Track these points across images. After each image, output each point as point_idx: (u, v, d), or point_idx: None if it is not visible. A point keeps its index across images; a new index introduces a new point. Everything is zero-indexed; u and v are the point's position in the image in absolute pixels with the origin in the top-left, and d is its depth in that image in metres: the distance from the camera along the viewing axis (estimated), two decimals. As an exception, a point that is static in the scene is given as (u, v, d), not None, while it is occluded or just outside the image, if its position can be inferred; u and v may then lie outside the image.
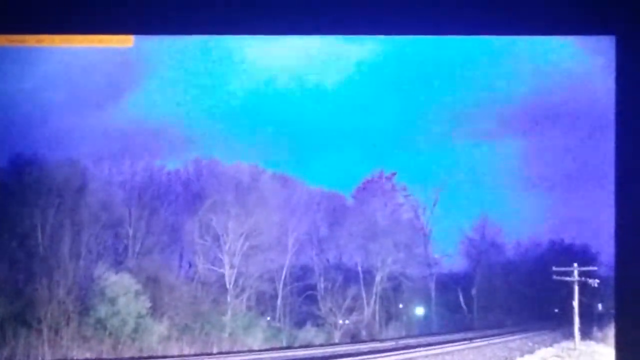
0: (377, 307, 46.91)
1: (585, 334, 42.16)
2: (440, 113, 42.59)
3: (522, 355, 39.85)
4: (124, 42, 24.22)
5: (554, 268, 41.87)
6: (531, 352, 40.87)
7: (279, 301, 45.24)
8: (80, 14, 22.42)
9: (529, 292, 48.30)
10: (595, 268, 42.25)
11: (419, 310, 48.94)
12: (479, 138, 43.89)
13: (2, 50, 30.32)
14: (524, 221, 44.88)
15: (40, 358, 37.02)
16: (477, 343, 42.86)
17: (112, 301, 39.12)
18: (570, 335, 42.08)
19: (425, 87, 41.33)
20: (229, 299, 43.35)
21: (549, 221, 44.26)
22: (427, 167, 44.06)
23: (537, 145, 43.10)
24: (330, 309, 45.07)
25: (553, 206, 43.12)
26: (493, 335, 45.07)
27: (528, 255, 49.76)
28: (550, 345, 42.71)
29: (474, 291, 49.02)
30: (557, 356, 39.41)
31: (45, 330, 37.87)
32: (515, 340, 44.64)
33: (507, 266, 49.69)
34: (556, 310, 47.62)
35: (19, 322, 37.74)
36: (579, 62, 33.94)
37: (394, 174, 48.61)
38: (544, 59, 36.17)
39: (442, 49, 36.83)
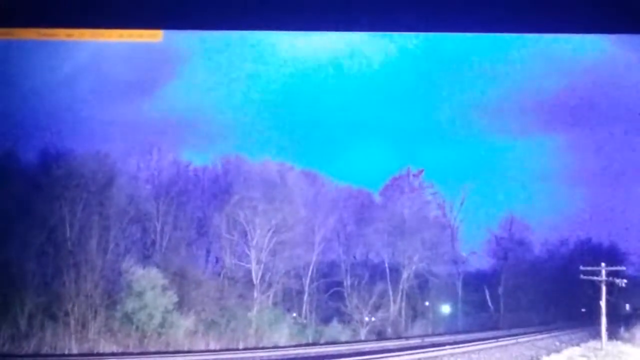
0: (403, 305, 46.88)
1: (612, 334, 41.96)
2: (469, 110, 42.54)
3: (548, 354, 39.63)
4: (154, 36, 24.26)
5: (581, 267, 41.66)
6: (558, 351, 40.66)
7: (305, 297, 45.28)
8: (110, 9, 22.48)
9: (555, 291, 48.16)
10: (623, 268, 42.04)
11: (446, 308, 48.88)
12: (508, 135, 43.80)
13: (32, 44, 30.50)
14: (551, 219, 44.79)
15: (67, 350, 37.14)
16: (504, 341, 42.69)
17: (139, 295, 39.19)
18: (597, 335, 41.86)
19: (453, 84, 41.27)
20: (255, 294, 43.39)
21: (577, 219, 44.12)
22: (454, 164, 43.99)
23: (568, 143, 43.01)
24: (357, 306, 45.04)
25: (582, 204, 42.98)
26: (520, 334, 44.89)
27: (555, 253, 49.64)
28: (577, 345, 42.50)
29: (500, 289, 48.92)
30: (584, 356, 39.19)
31: (72, 323, 38.01)
32: (542, 339, 44.47)
33: (534, 265, 49.58)
34: (583, 310, 47.44)
35: (46, 315, 37.91)
36: (612, 59, 33.76)
37: (421, 171, 48.61)
38: (578, 57, 36.03)
39: (473, 47, 36.80)
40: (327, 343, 43.05)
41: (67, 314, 38.23)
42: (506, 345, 41.64)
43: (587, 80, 38.78)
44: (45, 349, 36.59)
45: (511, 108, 42.17)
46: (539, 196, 43.19)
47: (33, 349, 36.23)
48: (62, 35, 24.40)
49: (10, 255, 37.91)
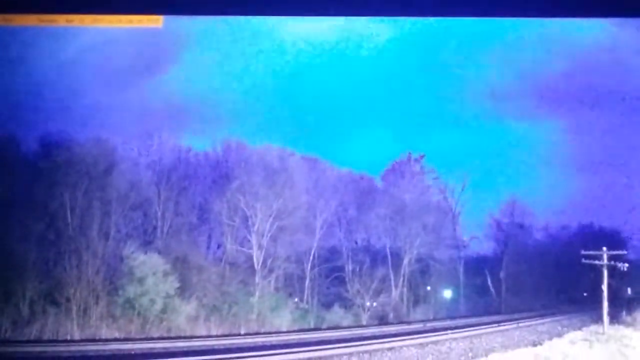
0: (404, 290, 46.93)
1: (614, 318, 41.94)
2: (470, 95, 42.45)
3: (550, 339, 39.60)
4: (154, 22, 24.24)
5: (583, 252, 41.60)
6: (560, 335, 40.65)
7: (306, 283, 45.33)
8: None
9: (557, 276, 48.16)
10: (625, 252, 41.99)
11: (447, 293, 48.91)
12: (509, 119, 43.75)
13: (32, 30, 30.46)
14: (553, 204, 44.75)
15: (69, 336, 37.18)
16: (506, 326, 42.70)
17: (141, 281, 39.23)
18: (599, 319, 41.85)
19: (455, 69, 41.19)
20: (257, 280, 43.44)
21: (579, 204, 44.09)
22: (455, 149, 43.96)
23: (570, 127, 42.92)
24: (358, 291, 45.10)
25: (583, 188, 42.95)
26: (521, 319, 44.90)
27: (557, 238, 49.61)
28: (579, 329, 42.48)
29: (502, 274, 48.96)
30: (586, 340, 39.15)
31: (74, 309, 38.04)
32: (543, 324, 44.48)
33: (535, 249, 49.57)
34: (585, 294, 47.48)
35: (48, 301, 37.97)
36: (616, 43, 33.72)
37: (423, 156, 48.60)
38: (581, 41, 35.95)
39: (474, 31, 36.70)
40: (328, 328, 43.09)
41: (68, 300, 38.26)
42: (508, 330, 41.65)
43: (590, 64, 38.70)
44: (47, 335, 36.61)
45: (513, 92, 42.10)
46: (541, 180, 43.18)
47: (35, 335, 36.26)
48: (62, 21, 24.40)
49: (11, 241, 37.92)
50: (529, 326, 43.29)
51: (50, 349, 32.40)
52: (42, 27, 25.46)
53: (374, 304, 45.35)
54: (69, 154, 40.19)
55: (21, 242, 38.31)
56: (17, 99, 37.83)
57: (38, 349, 32.28)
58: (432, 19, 27.33)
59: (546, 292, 49.47)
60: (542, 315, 46.78)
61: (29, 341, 35.21)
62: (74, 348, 33.34)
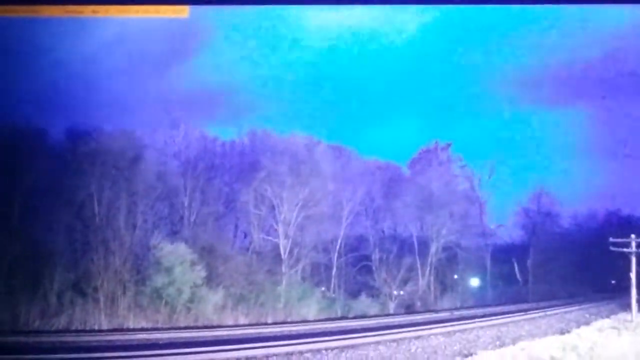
0: (432, 278, 46.88)
1: (643, 306, 41.72)
2: (498, 83, 42.36)
3: (578, 327, 39.37)
4: (179, 12, 24.22)
5: (611, 239, 41.36)
6: (587, 323, 40.40)
7: (333, 272, 45.32)
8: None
9: (585, 263, 48.03)
10: (654, 239, 41.73)
11: (474, 281, 48.84)
12: (537, 108, 43.59)
13: (58, 21, 30.53)
14: (580, 191, 44.62)
15: (96, 326, 37.28)
16: (533, 314, 42.55)
17: (168, 271, 39.27)
18: (627, 307, 41.64)
19: (483, 57, 41.11)
20: (283, 269, 43.46)
21: (606, 192, 43.91)
22: (483, 137, 43.90)
23: (598, 115, 42.72)
24: (385, 280, 45.04)
25: (611, 176, 42.76)
26: (549, 307, 44.77)
27: (584, 226, 49.52)
28: (607, 317, 42.27)
29: (529, 262, 48.85)
30: (614, 328, 38.88)
31: (101, 299, 38.16)
32: (571, 312, 44.31)
33: (563, 237, 49.45)
34: (613, 282, 47.33)
35: (76, 291, 38.09)
36: (647, 31, 33.48)
37: (450, 144, 48.54)
38: (613, 28, 35.70)
39: (503, 19, 36.52)
40: (355, 317, 43.08)
41: (96, 290, 38.39)
42: (535, 318, 41.48)
43: (618, 51, 38.49)
44: (75, 325, 36.74)
45: (541, 80, 42.03)
46: (569, 169, 43.13)
47: (63, 324, 36.40)
48: (87, 12, 24.43)
49: (39, 232, 38.18)
50: (556, 314, 43.12)
51: (78, 338, 32.50)
52: (69, 18, 25.51)
53: (401, 292, 45.32)
54: (96, 144, 40.33)
55: (49, 233, 38.57)
56: (45, 90, 38.07)
57: (66, 338, 32.39)
58: (458, 8, 27.21)
59: (574, 280, 49.35)
60: (569, 304, 46.67)
61: (57, 331, 35.36)
62: (101, 337, 33.44)
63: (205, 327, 38.38)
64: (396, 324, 39.79)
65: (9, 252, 36.20)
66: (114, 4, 24.08)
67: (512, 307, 45.54)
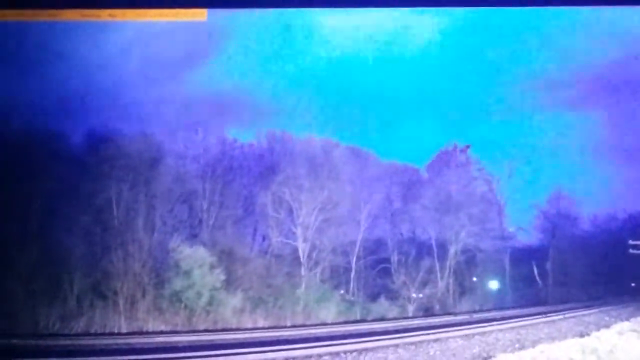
0: (450, 281, 46.81)
1: (663, 309, 41.65)
2: (515, 85, 42.25)
3: (598, 330, 39.27)
4: (198, 15, 24.28)
5: (630, 241, 41.29)
6: (607, 326, 40.29)
7: (352, 274, 45.33)
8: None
9: (604, 266, 47.88)
10: (674, 242, 41.65)
11: (493, 284, 48.74)
12: (555, 109, 43.47)
13: (75, 25, 30.70)
14: (599, 194, 44.48)
15: (116, 329, 37.46)
16: (552, 317, 42.46)
17: (187, 274, 39.42)
18: (647, 310, 41.56)
19: (500, 59, 41.03)
20: (302, 272, 43.53)
21: (625, 194, 43.78)
22: (501, 139, 43.81)
23: (616, 116, 42.58)
24: (404, 282, 45.05)
25: (630, 178, 42.61)
26: (568, 309, 44.64)
27: (604, 228, 49.34)
28: (627, 320, 42.10)
29: (548, 265, 48.70)
30: (634, 331, 38.75)
31: (121, 302, 38.33)
32: (591, 315, 44.17)
33: (582, 239, 49.29)
34: (632, 284, 47.17)
35: (95, 294, 38.28)
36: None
37: (468, 146, 48.42)
38: (634, 29, 35.59)
39: (521, 21, 36.51)
40: (374, 320, 43.08)
41: (115, 293, 38.55)
42: (554, 321, 41.42)
43: (637, 53, 38.29)
44: (95, 328, 36.92)
45: (558, 82, 41.87)
46: (587, 171, 42.93)
47: (82, 328, 36.59)
48: (104, 16, 24.54)
49: (58, 236, 38.37)
50: (575, 317, 43.02)
51: (97, 341, 32.64)
52: (86, 22, 25.66)
53: (420, 295, 45.30)
54: (115, 147, 40.49)
55: (69, 235, 38.75)
56: (64, 94, 38.24)
57: (86, 341, 32.55)
58: (478, 9, 27.21)
59: (593, 283, 49.20)
60: (589, 306, 46.51)
61: (77, 334, 35.54)
62: (121, 341, 33.54)
63: (224, 330, 38.48)
64: (415, 326, 39.78)
65: (29, 256, 36.40)
66: (133, 8, 24.18)
67: (532, 310, 45.39)
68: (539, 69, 40.95)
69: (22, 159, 37.57)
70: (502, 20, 36.42)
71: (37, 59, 37.21)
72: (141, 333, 37.07)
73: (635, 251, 41.32)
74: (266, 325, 40.46)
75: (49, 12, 24.68)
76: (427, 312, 45.44)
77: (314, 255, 43.95)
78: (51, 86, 37.93)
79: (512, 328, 38.19)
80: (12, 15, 25.19)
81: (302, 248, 43.65)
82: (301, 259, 43.64)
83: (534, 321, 40.83)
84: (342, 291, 45.06)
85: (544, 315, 42.80)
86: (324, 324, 41.24)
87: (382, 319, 43.20)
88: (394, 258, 45.94)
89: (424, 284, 45.41)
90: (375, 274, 45.98)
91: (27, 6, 25.43)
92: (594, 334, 37.78)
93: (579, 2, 21.71)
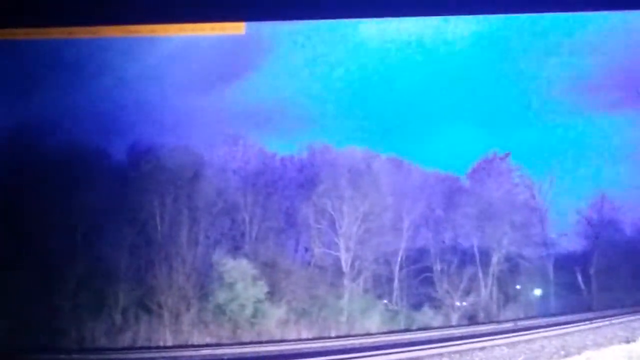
0: (494, 289, 46.61)
1: None
2: (555, 90, 42.10)
3: (644, 335, 39.04)
4: (236, 29, 24.37)
5: (675, 246, 40.93)
6: (654, 332, 40.03)
7: (395, 284, 45.25)
8: (192, 3, 22.61)
9: (649, 271, 47.48)
10: None
11: (537, 291, 48.48)
12: (596, 113, 43.26)
13: (114, 41, 30.99)
14: (642, 198, 44.14)
15: (161, 343, 37.72)
16: (597, 323, 42.19)
17: (231, 286, 39.59)
18: (694, 314, 41.18)
19: (539, 64, 40.89)
20: (345, 282, 43.53)
21: (669, 197, 43.44)
22: (541, 145, 43.62)
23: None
24: (447, 291, 44.93)
25: (675, 181, 42.28)
26: (613, 315, 44.27)
27: (647, 233, 48.90)
28: (673, 324, 41.79)
29: (592, 270, 48.36)
30: (681, 335, 38.48)
31: (166, 316, 38.58)
32: (636, 320, 43.75)
33: (626, 244, 48.88)
34: (679, 289, 46.76)
35: (140, 308, 38.55)
36: None
37: (508, 154, 48.24)
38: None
39: (559, 25, 36.42)
40: (418, 329, 42.99)
41: (160, 307, 38.82)
42: (600, 327, 41.15)
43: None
44: (141, 342, 37.19)
45: (600, 86, 41.65)
46: (630, 175, 42.61)
47: (128, 341, 36.90)
48: (146, 31, 24.65)
49: (103, 250, 38.71)
50: (621, 323, 42.67)
51: (143, 355, 32.92)
52: (127, 37, 25.85)
53: (464, 303, 45.16)
54: (157, 162, 40.80)
55: (113, 250, 39.05)
56: (105, 110, 38.59)
57: (132, 355, 32.83)
58: (514, 16, 27.14)
59: (638, 288, 48.79)
60: (634, 312, 46.12)
61: (123, 348, 35.83)
62: (166, 354, 33.87)
63: (269, 342, 38.62)
64: (459, 335, 39.72)
65: (74, 271, 36.76)
66: (170, 23, 24.31)
67: (576, 317, 45.09)
68: (579, 73, 40.82)
69: (65, 175, 38.00)
70: (541, 26, 36.42)
71: (80, 75, 37.58)
72: (186, 346, 37.29)
73: (680, 255, 40.99)
74: (310, 337, 40.52)
75: (92, 29, 24.86)
76: (471, 320, 45.28)
77: (356, 265, 43.95)
78: (92, 102, 38.30)
79: (557, 335, 38.01)
80: (55, 33, 25.42)
81: (345, 258, 43.68)
82: (344, 269, 43.65)
83: (579, 328, 40.61)
84: (385, 301, 44.98)
85: (589, 322, 42.56)
86: (368, 334, 41.23)
87: (426, 328, 43.10)
88: (437, 267, 45.82)
89: (467, 292, 45.27)
90: (418, 283, 45.88)
91: (68, 24, 25.67)
92: (640, 339, 37.56)
93: (616, 6, 21.54)
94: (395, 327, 43.27)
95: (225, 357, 33.34)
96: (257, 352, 34.96)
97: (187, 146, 42.23)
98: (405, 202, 45.27)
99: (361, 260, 44.01)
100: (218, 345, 37.48)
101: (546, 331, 39.02)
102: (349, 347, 36.82)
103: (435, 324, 44.04)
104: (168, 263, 39.57)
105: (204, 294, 39.98)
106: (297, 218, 45.37)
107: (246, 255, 41.54)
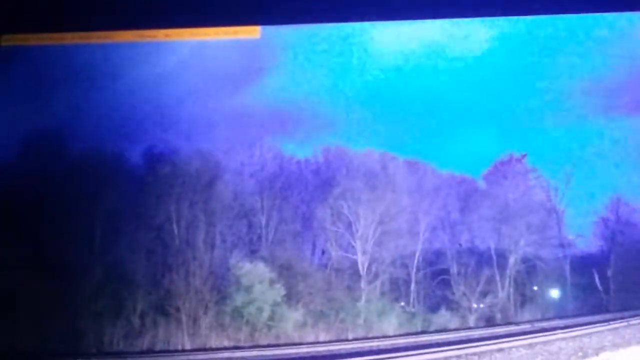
0: (511, 290, 46.54)
1: None
2: (570, 91, 42.03)
3: (662, 336, 38.96)
4: (251, 33, 24.54)
5: (692, 246, 40.82)
6: (672, 332, 39.92)
7: (412, 286, 45.25)
8: (207, 7, 22.76)
9: (666, 272, 47.35)
10: None
11: (554, 292, 48.38)
12: (611, 115, 43.15)
13: (129, 46, 31.08)
14: (661, 200, 44.06)
15: (180, 346, 37.82)
16: (615, 324, 42.05)
17: (248, 290, 39.68)
18: None
19: (555, 66, 40.84)
20: (362, 285, 43.55)
21: (686, 199, 43.34)
22: (557, 146, 43.55)
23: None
24: (464, 293, 44.89)
25: (691, 183, 42.18)
26: (631, 316, 44.12)
27: (664, 234, 48.75)
28: (692, 325, 41.67)
29: (609, 272, 48.21)
30: (700, 336, 38.36)
31: (184, 319, 38.68)
32: (654, 321, 43.72)
33: (644, 245, 48.76)
34: (697, 289, 46.61)
35: (158, 312, 38.67)
36: None
37: (524, 155, 48.16)
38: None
39: (577, 27, 36.38)
40: (436, 331, 42.97)
41: (178, 310, 38.92)
42: (617, 328, 41.03)
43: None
44: (159, 345, 37.32)
45: (615, 88, 41.53)
46: (646, 176, 42.51)
47: (147, 345, 37.02)
48: (161, 36, 24.85)
49: (120, 255, 38.86)
50: (639, 324, 42.60)
51: (162, 359, 33.01)
52: (139, 42, 25.98)
53: (481, 305, 45.11)
54: (173, 166, 40.96)
55: (131, 255, 39.22)
56: (121, 115, 38.72)
57: (150, 359, 32.91)
58: (529, 18, 27.19)
59: (656, 289, 48.70)
60: (652, 313, 46.07)
61: (141, 352, 35.96)
62: (184, 357, 33.95)
63: (287, 344, 38.64)
64: (477, 337, 39.69)
65: (93, 275, 36.92)
66: (185, 27, 24.47)
67: (594, 318, 44.95)
68: (595, 76, 40.74)
69: (83, 180, 38.16)
70: (557, 28, 36.34)
71: (96, 80, 37.74)
72: (205, 349, 37.40)
73: (698, 256, 40.86)
74: (327, 339, 40.55)
75: (107, 34, 25.06)
76: (489, 322, 45.19)
77: (373, 268, 43.97)
78: (108, 107, 38.45)
79: (575, 336, 37.94)
80: (69, 39, 25.60)
81: (362, 261, 43.71)
82: (361, 272, 43.68)
83: (597, 329, 40.50)
84: (402, 303, 44.99)
85: (606, 323, 42.42)
86: (386, 337, 41.22)
87: (443, 330, 43.09)
88: (454, 269, 45.79)
89: (484, 294, 45.22)
90: (435, 285, 45.85)
91: (83, 29, 25.85)
92: (658, 340, 37.46)
93: (637, 7, 21.59)
94: (413, 330, 43.26)
95: (244, 360, 33.47)
96: (275, 355, 35.04)
97: (203, 150, 42.38)
98: (422, 204, 45.28)
99: (378, 263, 44.03)
100: (236, 348, 37.61)
101: (564, 332, 38.96)
102: (366, 349, 36.86)
103: (452, 326, 44.01)
104: (185, 267, 39.68)
105: (221, 298, 40.07)
106: (314, 221, 45.43)
107: (263, 259, 41.63)
